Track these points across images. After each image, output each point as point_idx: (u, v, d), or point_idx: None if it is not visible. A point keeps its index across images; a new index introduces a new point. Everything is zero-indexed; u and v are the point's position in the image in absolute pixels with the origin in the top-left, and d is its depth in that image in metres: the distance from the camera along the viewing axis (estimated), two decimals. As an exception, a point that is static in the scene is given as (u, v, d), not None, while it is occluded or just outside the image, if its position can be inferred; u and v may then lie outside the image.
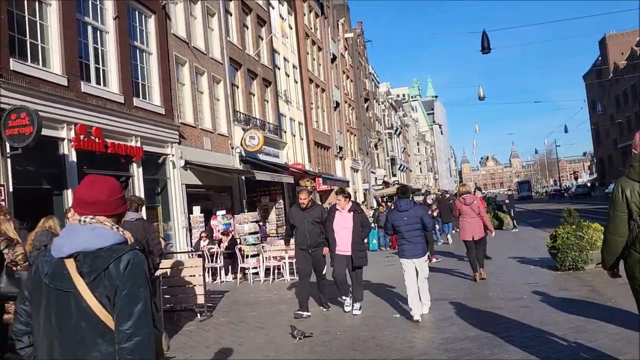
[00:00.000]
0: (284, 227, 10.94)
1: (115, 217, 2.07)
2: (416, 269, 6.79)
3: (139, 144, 12.90)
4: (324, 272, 7.71)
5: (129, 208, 5.41)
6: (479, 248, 9.34)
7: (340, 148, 35.90)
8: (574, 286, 7.76)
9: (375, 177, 48.90)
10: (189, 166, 15.26)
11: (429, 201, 16.11)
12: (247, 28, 22.14)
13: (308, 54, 30.88)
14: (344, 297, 7.52)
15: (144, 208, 9.86)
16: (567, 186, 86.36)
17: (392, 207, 7.72)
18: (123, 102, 12.58)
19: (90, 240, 1.94)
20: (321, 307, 7.70)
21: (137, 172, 12.94)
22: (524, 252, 12.28)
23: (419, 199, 36.46)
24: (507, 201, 22.44)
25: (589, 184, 72.84)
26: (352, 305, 7.31)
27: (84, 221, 1.99)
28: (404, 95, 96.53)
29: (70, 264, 1.91)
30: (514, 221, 20.32)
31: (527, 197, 75.22)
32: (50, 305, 1.92)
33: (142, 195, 12.37)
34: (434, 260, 12.08)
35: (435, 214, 16.34)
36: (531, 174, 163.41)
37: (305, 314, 7.23)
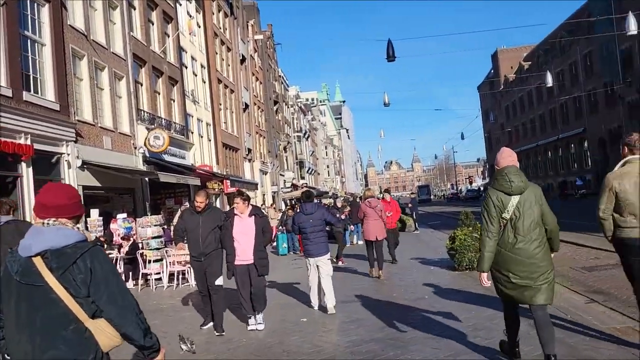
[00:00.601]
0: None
1: (75, 219, 2.32)
2: (320, 267, 7.31)
3: (28, 142, 11.92)
4: (217, 284, 6.66)
5: None
6: (378, 248, 9.95)
7: (249, 150, 35.57)
8: (471, 285, 8.19)
9: (284, 180, 48.98)
10: (87, 166, 14.36)
11: (339, 204, 16.35)
12: (153, 24, 21.29)
13: (217, 53, 30.30)
14: (249, 315, 6.66)
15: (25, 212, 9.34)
16: (461, 190, 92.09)
17: (298, 210, 8.14)
18: (11, 95, 11.56)
19: (56, 239, 2.18)
20: (215, 331, 6.56)
21: (26, 173, 11.93)
22: (425, 253, 12.83)
23: (328, 201, 37.06)
24: (410, 204, 23.42)
25: (477, 188, 78.35)
26: (256, 320, 6.61)
27: (48, 223, 2.23)
28: (312, 99, 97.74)
29: (39, 262, 2.15)
30: (416, 223, 21.25)
31: (427, 200, 79.04)
32: (21, 300, 2.16)
33: (32, 198, 11.44)
34: (340, 263, 12.21)
35: (343, 216, 16.63)
36: (431, 178, 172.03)
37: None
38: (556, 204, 34.41)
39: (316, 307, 7.45)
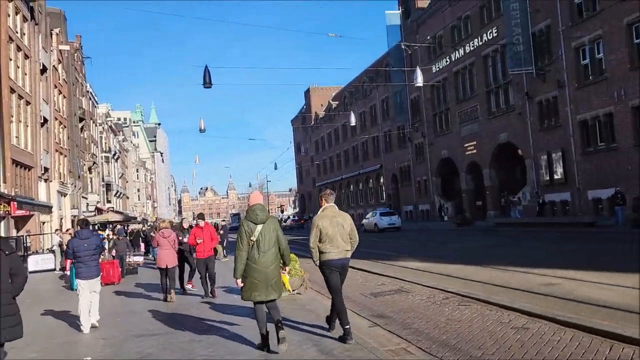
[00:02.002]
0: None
1: None
2: (92, 288, 8.13)
3: None
4: None
5: None
6: (171, 274, 10.69)
7: (46, 169, 32.16)
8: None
9: (87, 203, 45.23)
10: None
11: (186, 225, 15.42)
12: None
13: (11, 60, 27.10)
14: None
15: None
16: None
17: (74, 236, 8.71)
18: None
19: None
20: None
21: None
22: (230, 281, 12.93)
23: (138, 226, 35.10)
24: (221, 231, 23.44)
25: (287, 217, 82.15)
26: None
27: None
28: (125, 119, 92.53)
29: None
30: (225, 251, 21.38)
31: (237, 227, 79.56)
32: None
33: None
34: (189, 287, 12.05)
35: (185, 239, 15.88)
36: (245, 205, 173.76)
37: None
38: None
39: (86, 331, 7.90)
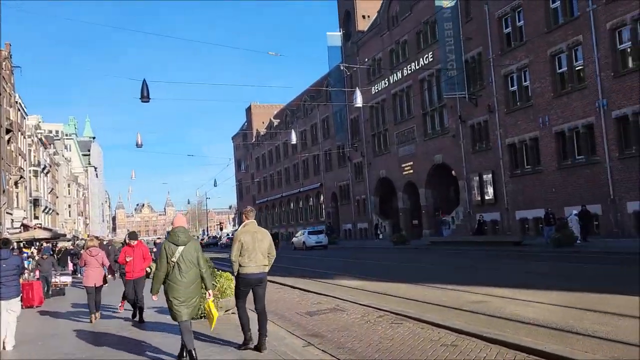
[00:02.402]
0: None
1: None
2: (10, 309, 8.00)
3: None
4: None
5: None
6: (98, 293, 10.57)
7: (-34, 183, 30.16)
8: (200, 330, 8.32)
9: (12, 219, 42.73)
10: None
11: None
12: None
13: None
14: None
15: None
16: (211, 236, 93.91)
17: None
18: None
19: None
20: None
21: None
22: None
23: (67, 244, 33.45)
24: (155, 249, 22.76)
25: (215, 235, 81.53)
26: None
27: None
28: (57, 131, 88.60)
29: None
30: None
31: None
32: None
33: None
34: (120, 309, 11.36)
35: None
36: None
37: None
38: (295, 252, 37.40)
39: (10, 347, 7.94)
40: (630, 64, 21.75)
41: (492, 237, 27.94)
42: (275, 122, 67.71)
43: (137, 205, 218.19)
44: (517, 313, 8.38)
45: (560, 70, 25.21)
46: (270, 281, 15.99)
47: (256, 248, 6.67)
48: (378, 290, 12.28)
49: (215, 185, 66.32)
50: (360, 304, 10.22)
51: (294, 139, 35.52)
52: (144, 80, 18.52)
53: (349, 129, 46.90)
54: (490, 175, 29.79)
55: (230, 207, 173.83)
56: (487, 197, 30.24)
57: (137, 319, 10.02)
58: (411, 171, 37.85)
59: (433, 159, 35.08)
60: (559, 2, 25.04)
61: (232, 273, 6.92)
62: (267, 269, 6.84)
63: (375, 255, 26.31)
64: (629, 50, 21.87)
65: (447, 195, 36.07)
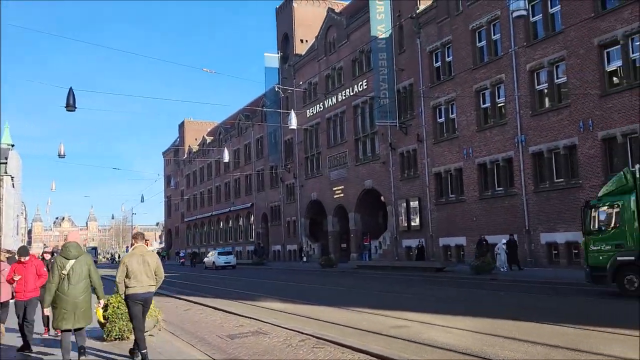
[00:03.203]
0: None
1: None
2: None
3: None
4: None
5: None
6: (4, 310, 9.57)
7: None
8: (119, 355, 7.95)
9: None
10: None
11: (47, 256, 13.41)
12: None
13: None
14: None
15: None
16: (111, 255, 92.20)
17: None
18: None
19: None
20: None
21: None
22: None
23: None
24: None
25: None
26: None
27: None
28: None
29: None
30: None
31: (94, 262, 74.32)
32: None
33: None
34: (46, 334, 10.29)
35: None
36: (106, 238, 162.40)
37: None
38: (211, 273, 36.69)
39: None
40: (547, 104, 23.35)
41: (416, 262, 28.68)
42: (209, 139, 66.71)
43: (57, 218, 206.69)
44: (435, 338, 8.60)
45: (484, 106, 26.63)
46: (192, 302, 15.66)
47: (141, 270, 7.25)
48: (301, 313, 12.25)
49: (142, 200, 63.71)
50: (283, 327, 10.14)
51: (226, 157, 35.12)
52: (71, 88, 17.59)
53: (283, 150, 47.00)
54: (417, 202, 30.71)
55: (157, 224, 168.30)
56: (413, 224, 31.10)
57: (26, 351, 8.52)
58: (342, 195, 38.34)
59: (363, 184, 35.76)
60: (485, 41, 26.59)
61: (119, 294, 7.67)
62: (153, 289, 7.49)
63: (301, 277, 26.27)
64: (545, 90, 23.49)
65: (376, 220, 36.77)
